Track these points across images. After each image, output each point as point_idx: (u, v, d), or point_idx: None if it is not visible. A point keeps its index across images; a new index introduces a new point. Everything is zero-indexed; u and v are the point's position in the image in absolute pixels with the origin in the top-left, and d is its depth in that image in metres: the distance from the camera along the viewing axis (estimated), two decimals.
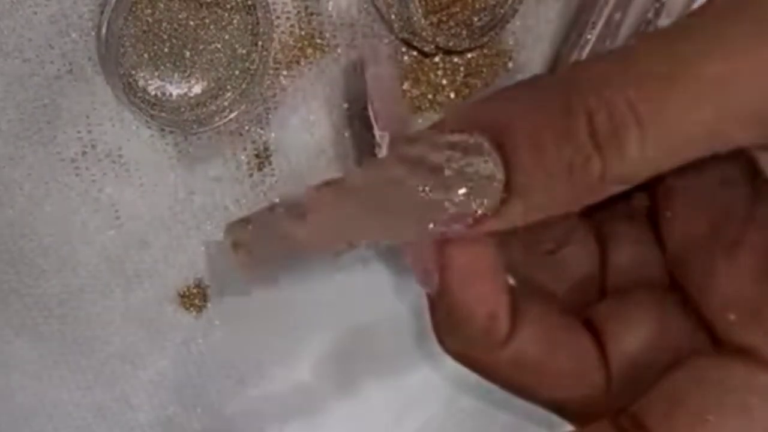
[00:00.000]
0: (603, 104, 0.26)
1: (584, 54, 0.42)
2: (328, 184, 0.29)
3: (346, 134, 0.43)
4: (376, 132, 0.36)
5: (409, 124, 0.34)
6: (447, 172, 0.27)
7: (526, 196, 0.27)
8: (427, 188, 0.28)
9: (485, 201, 0.27)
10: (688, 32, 0.27)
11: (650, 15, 0.42)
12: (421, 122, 0.43)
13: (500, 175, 0.27)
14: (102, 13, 0.36)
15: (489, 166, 0.27)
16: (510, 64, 0.44)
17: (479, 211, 0.28)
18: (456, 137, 0.28)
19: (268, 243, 0.29)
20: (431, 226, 0.28)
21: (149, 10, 0.37)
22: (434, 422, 0.51)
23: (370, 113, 0.37)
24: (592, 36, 0.42)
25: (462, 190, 0.27)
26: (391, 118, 0.36)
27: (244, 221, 0.29)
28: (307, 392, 0.47)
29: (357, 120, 0.42)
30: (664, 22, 0.42)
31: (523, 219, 0.28)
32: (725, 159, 0.28)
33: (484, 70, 0.44)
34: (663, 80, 0.26)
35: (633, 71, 0.26)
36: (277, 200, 0.29)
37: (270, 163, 0.42)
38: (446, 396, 0.51)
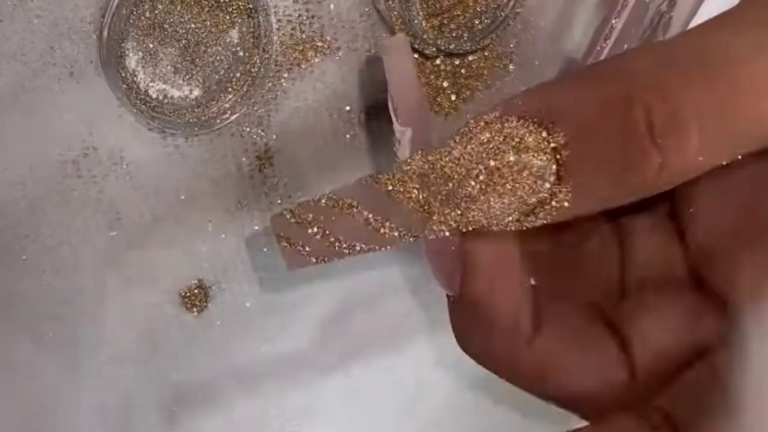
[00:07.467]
0: (662, 98, 0.25)
1: (613, 37, 0.41)
2: (374, 176, 0.28)
3: (348, 135, 0.43)
4: (396, 127, 0.36)
5: (429, 119, 0.34)
6: (493, 163, 0.26)
7: (579, 189, 0.26)
8: (471, 183, 0.27)
9: (534, 196, 0.26)
10: (739, 25, 0.26)
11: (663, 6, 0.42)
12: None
13: (552, 168, 0.26)
14: (103, 16, 0.36)
15: (541, 158, 0.26)
16: (511, 66, 0.44)
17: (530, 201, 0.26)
18: (509, 128, 0.26)
19: (309, 238, 0.29)
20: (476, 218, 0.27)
21: (150, 13, 0.37)
22: (435, 416, 0.51)
23: (390, 108, 0.36)
24: (620, 19, 0.41)
25: (509, 185, 0.26)
26: (411, 112, 0.35)
27: (288, 214, 0.29)
28: (308, 392, 0.47)
29: (372, 116, 0.42)
30: (682, 8, 0.42)
31: (572, 213, 0.27)
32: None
33: (485, 72, 0.44)
34: (722, 75, 0.25)
35: (691, 66, 0.25)
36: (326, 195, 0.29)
37: (271, 165, 0.42)
38: (448, 391, 0.51)
